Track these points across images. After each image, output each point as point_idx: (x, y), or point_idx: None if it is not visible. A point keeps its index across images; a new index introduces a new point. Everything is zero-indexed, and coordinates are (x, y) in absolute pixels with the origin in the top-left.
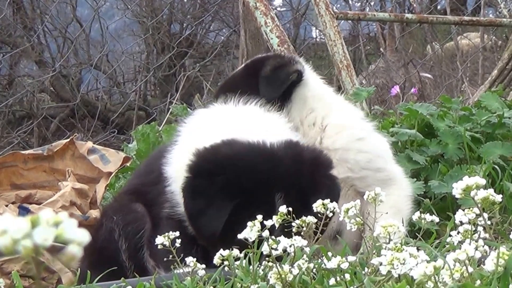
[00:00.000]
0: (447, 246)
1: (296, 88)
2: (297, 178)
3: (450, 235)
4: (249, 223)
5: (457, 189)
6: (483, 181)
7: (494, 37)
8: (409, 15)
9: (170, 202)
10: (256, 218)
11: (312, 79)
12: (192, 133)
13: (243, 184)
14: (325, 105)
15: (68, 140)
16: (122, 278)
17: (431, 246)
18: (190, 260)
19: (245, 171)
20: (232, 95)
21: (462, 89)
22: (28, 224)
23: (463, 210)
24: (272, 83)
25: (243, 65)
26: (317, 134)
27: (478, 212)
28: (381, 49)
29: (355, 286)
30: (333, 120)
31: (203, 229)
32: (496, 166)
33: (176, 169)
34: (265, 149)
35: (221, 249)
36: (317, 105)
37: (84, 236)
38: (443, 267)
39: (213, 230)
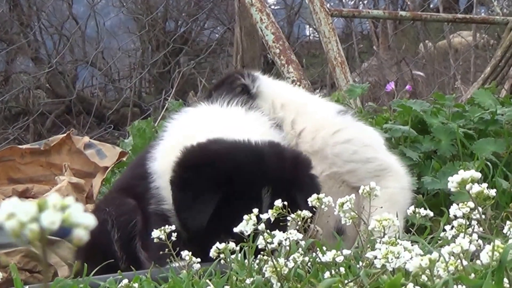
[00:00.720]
0: (440, 241)
1: (256, 100)
2: (281, 174)
3: (444, 230)
4: (245, 217)
5: (452, 182)
6: (478, 175)
7: (486, 36)
8: (403, 13)
9: (155, 198)
10: (242, 212)
11: (268, 89)
12: (178, 131)
13: (231, 178)
14: (290, 110)
15: (65, 135)
16: (119, 271)
17: (425, 241)
18: (185, 253)
19: (233, 165)
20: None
21: (455, 86)
22: (35, 207)
23: (458, 204)
24: (219, 90)
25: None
26: (292, 138)
27: (472, 206)
28: (374, 47)
29: (349, 280)
30: (304, 124)
31: (189, 221)
32: (488, 163)
33: (161, 164)
34: (250, 146)
35: (207, 243)
36: (281, 112)
37: (90, 220)
38: (438, 260)
39: (199, 223)
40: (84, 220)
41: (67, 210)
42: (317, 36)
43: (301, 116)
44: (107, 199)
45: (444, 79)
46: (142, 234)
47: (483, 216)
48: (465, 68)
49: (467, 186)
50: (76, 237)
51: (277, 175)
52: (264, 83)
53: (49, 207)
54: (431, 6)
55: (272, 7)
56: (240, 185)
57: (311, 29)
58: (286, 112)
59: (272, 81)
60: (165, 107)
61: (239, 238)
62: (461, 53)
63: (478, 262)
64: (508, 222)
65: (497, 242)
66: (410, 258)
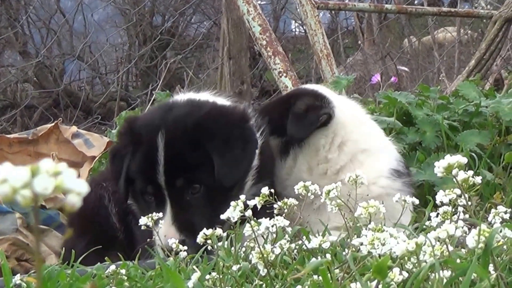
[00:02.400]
0: (426, 230)
1: (314, 132)
2: (181, 119)
3: (429, 218)
4: (232, 203)
5: (438, 167)
6: (464, 160)
7: (470, 31)
8: (388, 6)
9: None
10: (142, 158)
11: (336, 120)
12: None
13: (134, 130)
14: (345, 153)
15: (53, 124)
16: (106, 257)
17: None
18: (172, 242)
19: (141, 119)
20: (268, 118)
21: (440, 78)
22: (28, 173)
23: (444, 191)
24: (300, 123)
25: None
26: (333, 178)
27: (458, 192)
28: (359, 42)
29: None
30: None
31: (119, 191)
32: (473, 154)
33: None
34: (167, 103)
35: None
36: (336, 153)
37: (83, 187)
38: (424, 244)
39: (120, 189)
40: (76, 186)
41: (60, 176)
42: (303, 31)
43: (353, 163)
44: (105, 174)
45: (429, 74)
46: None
47: (469, 203)
48: (449, 63)
49: (454, 171)
50: (69, 203)
51: (175, 120)
52: (340, 112)
53: (42, 172)
54: (416, 2)
55: (258, 2)
56: (138, 133)
57: (296, 24)
58: (341, 155)
59: (347, 109)
60: (153, 100)
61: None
62: (445, 48)
63: (463, 250)
64: (493, 210)
65: (483, 226)
66: (396, 244)
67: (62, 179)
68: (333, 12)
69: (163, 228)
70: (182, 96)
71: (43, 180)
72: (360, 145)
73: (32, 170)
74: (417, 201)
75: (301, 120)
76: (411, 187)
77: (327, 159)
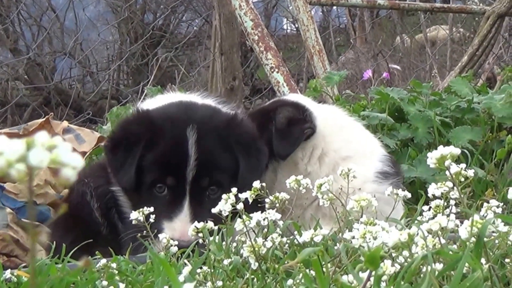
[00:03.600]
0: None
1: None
2: (209, 119)
3: (421, 213)
4: (224, 196)
5: (431, 158)
6: (457, 151)
7: (462, 30)
8: (381, 1)
9: None
10: (166, 155)
11: (317, 132)
12: (147, 104)
13: (153, 124)
14: (326, 164)
15: (44, 119)
16: (97, 251)
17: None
18: (163, 236)
19: (157, 115)
20: None
21: (432, 75)
22: (24, 146)
23: (436, 184)
24: (286, 140)
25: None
26: (316, 197)
27: (451, 185)
28: (351, 40)
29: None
30: (335, 185)
31: (121, 180)
32: (465, 150)
33: None
34: (179, 101)
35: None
36: (316, 165)
37: (78, 161)
38: (417, 234)
39: (127, 178)
40: (72, 160)
41: (55, 149)
42: (294, 29)
43: (336, 173)
44: (86, 171)
45: (420, 72)
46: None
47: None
48: (441, 62)
49: (446, 162)
50: (64, 177)
51: (203, 118)
52: (319, 123)
53: (37, 145)
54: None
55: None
56: (159, 125)
57: (288, 22)
58: (322, 166)
59: (326, 118)
60: (144, 95)
61: (177, 180)
62: (437, 46)
63: (454, 246)
64: (485, 204)
65: (476, 217)
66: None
67: (57, 153)
68: (325, 10)
69: (179, 224)
70: (173, 97)
71: (38, 153)
72: (342, 153)
73: (28, 143)
74: (409, 195)
75: (285, 136)
76: (400, 186)
77: (307, 172)
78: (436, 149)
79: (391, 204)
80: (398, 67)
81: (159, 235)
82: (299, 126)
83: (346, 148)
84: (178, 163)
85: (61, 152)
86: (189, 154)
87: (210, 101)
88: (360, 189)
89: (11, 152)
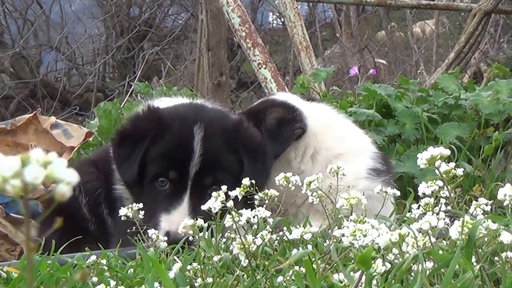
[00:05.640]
0: (407, 221)
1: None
2: (216, 119)
3: (410, 210)
4: (213, 193)
5: (421, 159)
6: (447, 152)
7: (448, 24)
8: None
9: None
10: (170, 150)
11: (309, 131)
12: (160, 103)
13: (160, 120)
14: (319, 162)
15: (32, 114)
16: (87, 248)
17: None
18: (152, 232)
19: (165, 112)
20: None
21: (418, 72)
22: (19, 163)
23: (426, 183)
24: (276, 141)
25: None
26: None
27: (441, 184)
28: (337, 34)
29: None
30: (328, 182)
31: (124, 173)
32: (452, 146)
33: None
34: (189, 103)
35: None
36: (309, 164)
37: (73, 176)
38: (407, 235)
39: (130, 171)
40: (66, 176)
41: (50, 165)
42: (280, 23)
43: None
44: (75, 166)
45: (407, 66)
46: (107, 202)
47: (452, 194)
48: (427, 56)
49: (436, 163)
50: (59, 193)
51: (211, 119)
52: (310, 123)
53: (32, 162)
54: None
55: None
56: (167, 121)
57: (274, 16)
58: (315, 164)
59: (317, 117)
60: (130, 91)
61: (179, 174)
62: (423, 41)
63: (444, 242)
64: (474, 202)
65: (466, 217)
66: (378, 236)
67: (52, 169)
68: (311, 4)
69: (176, 216)
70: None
71: (33, 169)
72: (334, 151)
73: (23, 159)
74: (398, 193)
75: (275, 137)
76: (392, 183)
77: (300, 170)
78: (423, 144)
79: (382, 201)
80: (384, 62)
81: (148, 231)
82: (289, 126)
83: (338, 146)
84: (182, 157)
85: (55, 168)
86: (194, 150)
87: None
88: (352, 186)
89: (6, 169)
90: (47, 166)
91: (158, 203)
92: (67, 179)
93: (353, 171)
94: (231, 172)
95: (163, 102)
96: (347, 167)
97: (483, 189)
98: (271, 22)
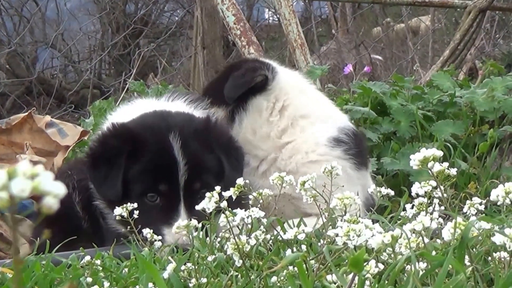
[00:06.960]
0: (401, 220)
1: (256, 96)
2: (189, 124)
3: (404, 209)
4: (207, 194)
5: (414, 160)
6: (440, 153)
7: (444, 20)
8: None
9: None
10: (154, 164)
11: (279, 85)
12: (117, 116)
13: (133, 136)
14: (286, 117)
15: (27, 113)
16: (81, 248)
17: (385, 220)
18: (147, 232)
19: (136, 126)
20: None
21: (414, 69)
22: (5, 175)
23: (420, 183)
24: (234, 83)
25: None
26: (272, 150)
27: (434, 184)
28: (333, 30)
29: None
30: (291, 137)
31: (106, 193)
32: (447, 144)
33: None
34: (150, 111)
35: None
36: (277, 117)
37: (60, 189)
38: (400, 237)
39: (114, 190)
40: (53, 188)
41: (37, 178)
42: (276, 19)
43: (294, 128)
44: (71, 164)
45: (403, 63)
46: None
47: (445, 195)
48: (423, 52)
49: (429, 164)
50: (46, 205)
51: (182, 124)
52: (281, 78)
53: (19, 174)
54: None
55: None
56: (137, 134)
57: (270, 12)
58: (282, 118)
59: (290, 77)
60: (126, 88)
61: (170, 186)
62: (419, 37)
63: (438, 241)
64: (468, 202)
65: (459, 219)
66: (372, 236)
67: (39, 181)
68: (306, 0)
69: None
70: (137, 106)
71: (20, 182)
72: (301, 111)
73: (9, 172)
74: (392, 192)
75: (236, 80)
76: (351, 155)
77: (269, 121)
78: (419, 142)
79: (343, 169)
80: (380, 58)
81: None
82: (253, 73)
83: (305, 107)
84: (168, 169)
85: (43, 180)
86: (177, 160)
87: (180, 103)
88: (312, 150)
89: None
90: (34, 179)
91: (153, 218)
92: (54, 192)
93: (316, 135)
94: (214, 172)
95: (119, 115)
96: (311, 130)
97: (478, 186)
98: (267, 18)
